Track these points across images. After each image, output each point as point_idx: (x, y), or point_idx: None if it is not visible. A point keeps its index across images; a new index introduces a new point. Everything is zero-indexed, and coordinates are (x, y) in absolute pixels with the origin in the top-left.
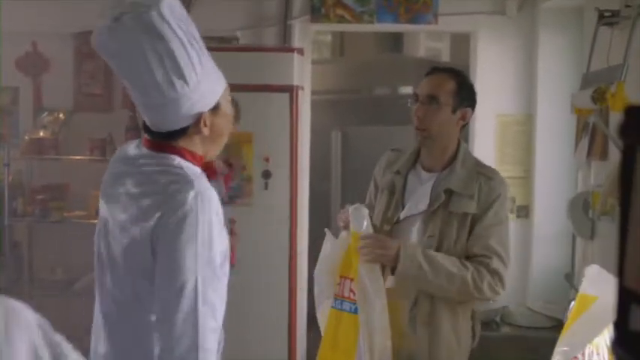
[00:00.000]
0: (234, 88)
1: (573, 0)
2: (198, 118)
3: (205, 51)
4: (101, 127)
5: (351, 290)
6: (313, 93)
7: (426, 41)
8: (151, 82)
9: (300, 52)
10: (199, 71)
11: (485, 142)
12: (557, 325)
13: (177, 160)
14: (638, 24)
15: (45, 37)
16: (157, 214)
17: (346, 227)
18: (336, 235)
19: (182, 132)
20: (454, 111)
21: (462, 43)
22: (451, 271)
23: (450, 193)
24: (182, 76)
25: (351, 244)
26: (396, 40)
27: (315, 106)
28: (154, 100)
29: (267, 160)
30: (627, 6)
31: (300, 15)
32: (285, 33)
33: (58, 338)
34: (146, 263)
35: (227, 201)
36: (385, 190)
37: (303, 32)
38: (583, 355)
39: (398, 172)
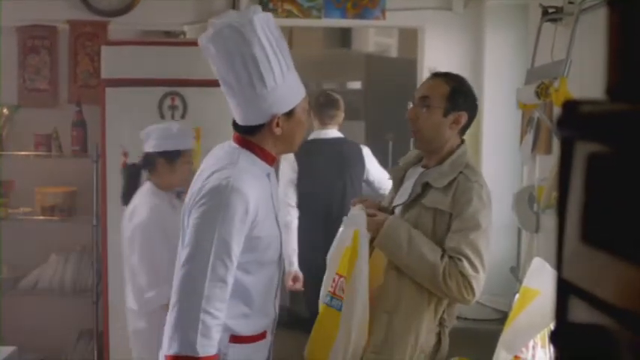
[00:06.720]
0: (180, 82)
1: None
2: (272, 119)
3: (291, 63)
4: (46, 123)
5: (342, 288)
6: None
7: (375, 37)
8: (236, 82)
9: None
10: (279, 78)
11: None
12: (504, 318)
13: (237, 152)
14: (580, 20)
15: None
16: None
17: None
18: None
19: (258, 129)
20: (446, 114)
21: (410, 38)
22: (426, 255)
23: (427, 187)
24: (262, 80)
25: (353, 244)
26: (344, 36)
27: None
28: (237, 97)
29: None
30: (570, 2)
31: None
32: None
33: None
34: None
35: (175, 196)
36: (392, 182)
37: None
38: (527, 347)
39: (400, 167)
